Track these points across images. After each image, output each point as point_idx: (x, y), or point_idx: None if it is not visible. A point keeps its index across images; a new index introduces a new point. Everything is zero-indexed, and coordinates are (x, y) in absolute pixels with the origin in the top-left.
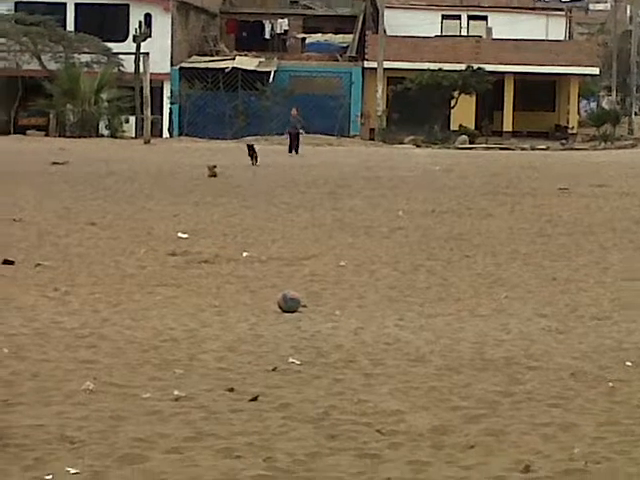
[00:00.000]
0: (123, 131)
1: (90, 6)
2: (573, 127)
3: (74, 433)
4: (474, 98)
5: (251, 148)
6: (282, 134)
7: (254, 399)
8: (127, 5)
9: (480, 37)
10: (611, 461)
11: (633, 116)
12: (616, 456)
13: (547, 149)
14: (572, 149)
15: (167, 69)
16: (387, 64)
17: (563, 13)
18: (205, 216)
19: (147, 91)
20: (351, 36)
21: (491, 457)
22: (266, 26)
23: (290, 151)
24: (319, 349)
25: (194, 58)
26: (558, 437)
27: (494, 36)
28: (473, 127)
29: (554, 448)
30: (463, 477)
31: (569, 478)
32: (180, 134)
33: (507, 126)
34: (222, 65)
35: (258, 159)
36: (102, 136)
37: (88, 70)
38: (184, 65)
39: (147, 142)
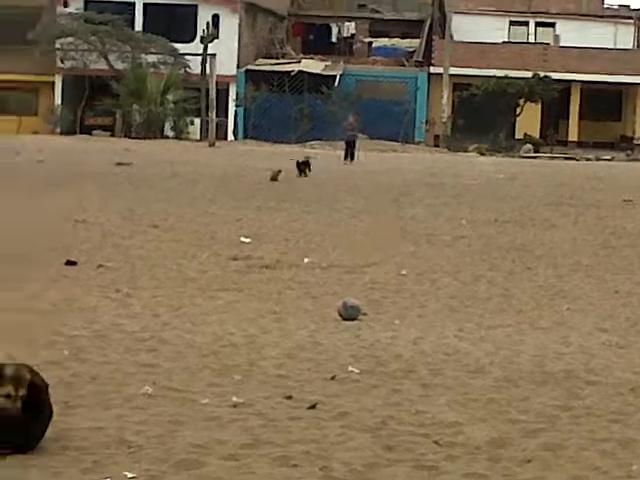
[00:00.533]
0: (188, 133)
1: (158, 6)
2: (639, 138)
3: (132, 437)
4: (540, 106)
5: (305, 164)
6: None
7: (312, 407)
8: (195, 6)
9: (547, 44)
10: None
11: None
12: None
13: (612, 160)
14: (637, 160)
15: (233, 71)
16: (453, 70)
17: (632, 21)
18: (267, 221)
19: (213, 93)
20: (418, 41)
21: (548, 472)
22: (333, 29)
23: (345, 158)
24: (378, 358)
25: (260, 61)
26: (617, 453)
27: (562, 43)
28: (538, 136)
29: (612, 464)
30: None
31: None
32: (245, 137)
33: (572, 136)
34: (288, 68)
35: (309, 172)
36: (167, 137)
37: (155, 71)
38: (250, 67)
39: (212, 144)
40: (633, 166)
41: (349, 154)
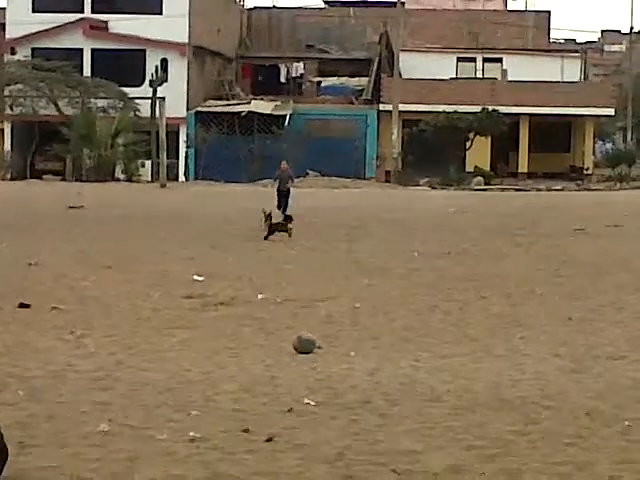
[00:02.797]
0: (139, 175)
1: (106, 52)
2: (588, 168)
3: (89, 475)
4: (489, 140)
5: (269, 217)
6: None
7: (269, 440)
8: (144, 50)
9: (495, 79)
10: None
11: None
12: None
13: (562, 190)
14: (587, 190)
15: (183, 113)
16: (402, 107)
17: (578, 55)
18: (221, 259)
19: (163, 135)
20: (366, 79)
21: None
22: (282, 70)
23: (279, 208)
24: (334, 390)
25: (210, 102)
26: (574, 476)
27: (509, 78)
28: (488, 168)
29: None
30: None
31: None
32: (196, 177)
33: (522, 167)
34: (238, 109)
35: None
36: (118, 180)
37: (104, 115)
38: (200, 109)
39: (163, 186)
40: (583, 195)
41: (281, 205)
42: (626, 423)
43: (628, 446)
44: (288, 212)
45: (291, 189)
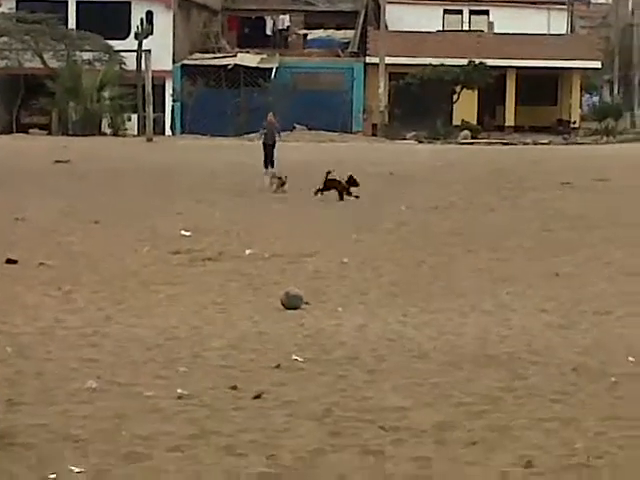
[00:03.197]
0: (125, 129)
1: (91, 4)
2: (575, 121)
3: (78, 432)
4: (476, 93)
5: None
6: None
7: (257, 396)
8: (129, 2)
9: (482, 32)
10: (613, 456)
11: (635, 110)
12: (618, 451)
13: (549, 143)
14: (574, 143)
15: (169, 66)
16: (389, 59)
17: (565, 7)
18: (208, 214)
19: (149, 89)
20: (353, 32)
21: (494, 453)
22: (268, 22)
23: (266, 166)
24: (322, 346)
25: (196, 55)
26: (560, 432)
27: (496, 30)
28: (475, 122)
29: (556, 443)
30: (466, 473)
31: (571, 473)
32: (182, 131)
33: (509, 121)
34: (224, 62)
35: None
36: (104, 134)
37: (90, 68)
38: (186, 62)
39: (149, 140)
40: (570, 149)
41: (269, 161)
42: (612, 379)
43: (614, 402)
44: (275, 167)
45: (277, 142)
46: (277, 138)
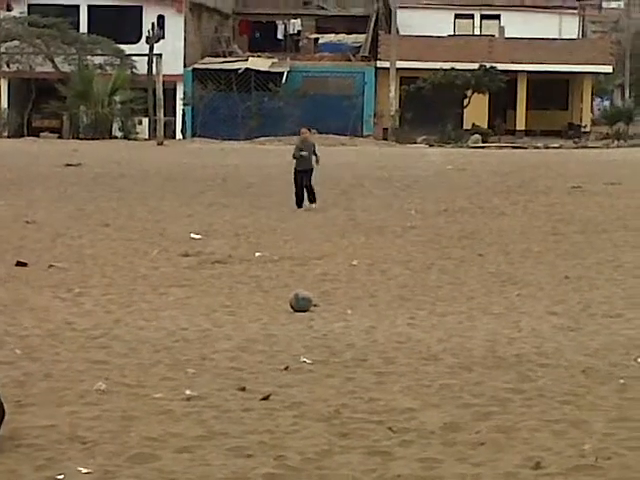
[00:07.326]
0: (136, 133)
1: (103, 8)
2: (586, 125)
3: (86, 433)
4: (487, 97)
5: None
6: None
7: (266, 398)
8: (140, 7)
9: (493, 36)
10: (621, 457)
11: None
12: (626, 452)
13: (560, 147)
14: (585, 147)
15: (180, 70)
16: (400, 64)
17: (576, 11)
18: (218, 217)
19: (160, 93)
20: (364, 36)
21: (502, 454)
22: (279, 27)
23: (300, 203)
24: (331, 348)
25: (207, 59)
26: (569, 433)
27: (507, 35)
28: (486, 126)
29: (565, 444)
30: (474, 474)
31: (580, 474)
32: (193, 135)
33: (520, 125)
34: (235, 66)
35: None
36: (115, 138)
37: (101, 72)
38: (197, 66)
39: (160, 143)
40: (581, 153)
41: (310, 194)
42: (621, 381)
43: (623, 404)
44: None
45: (314, 169)
46: (314, 162)
